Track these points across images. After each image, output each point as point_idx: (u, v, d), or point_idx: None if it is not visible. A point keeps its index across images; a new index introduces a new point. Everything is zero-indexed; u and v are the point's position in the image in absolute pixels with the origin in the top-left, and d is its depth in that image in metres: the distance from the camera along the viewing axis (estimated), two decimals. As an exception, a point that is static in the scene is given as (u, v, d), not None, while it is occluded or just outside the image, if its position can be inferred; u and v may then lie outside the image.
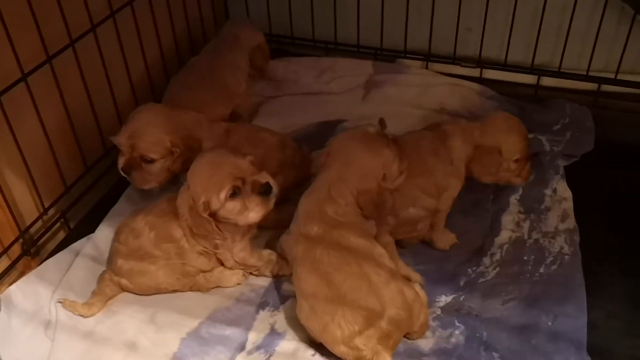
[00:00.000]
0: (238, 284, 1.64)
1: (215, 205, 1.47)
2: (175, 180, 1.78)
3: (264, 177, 1.51)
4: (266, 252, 1.65)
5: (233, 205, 1.48)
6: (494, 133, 1.67)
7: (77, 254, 1.70)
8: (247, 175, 1.49)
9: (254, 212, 1.50)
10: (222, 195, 1.46)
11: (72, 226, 1.83)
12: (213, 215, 1.49)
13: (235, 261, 1.60)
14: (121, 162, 1.72)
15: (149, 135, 1.68)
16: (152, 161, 1.70)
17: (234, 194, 1.47)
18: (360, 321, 1.33)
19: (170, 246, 1.55)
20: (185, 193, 1.50)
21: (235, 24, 2.29)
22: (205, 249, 1.57)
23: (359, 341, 1.33)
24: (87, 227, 1.79)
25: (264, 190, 1.50)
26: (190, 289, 1.62)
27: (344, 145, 1.51)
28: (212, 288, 1.62)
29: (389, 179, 1.50)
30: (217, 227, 1.50)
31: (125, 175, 1.74)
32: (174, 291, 1.61)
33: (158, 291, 1.60)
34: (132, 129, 1.68)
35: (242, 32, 2.24)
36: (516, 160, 1.68)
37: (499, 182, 1.75)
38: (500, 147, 1.66)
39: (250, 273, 1.66)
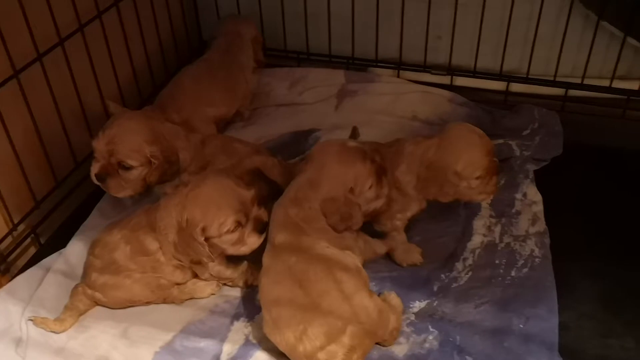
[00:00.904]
0: (212, 294, 1.63)
1: (212, 233, 1.48)
2: (148, 192, 1.77)
3: (264, 214, 1.53)
4: (241, 264, 1.64)
5: (230, 238, 1.50)
6: (449, 151, 1.56)
7: (48, 269, 1.68)
8: (249, 210, 1.50)
9: (247, 247, 1.52)
10: (225, 228, 1.47)
11: (42, 242, 1.81)
12: (206, 240, 1.49)
13: (211, 274, 1.60)
14: (96, 168, 1.69)
15: (130, 142, 1.67)
16: (130, 168, 1.68)
17: (235, 227, 1.48)
18: (322, 337, 1.33)
19: (145, 259, 1.55)
20: (174, 211, 1.49)
21: (235, 20, 2.29)
22: (181, 263, 1.56)
23: (321, 356, 1.33)
24: (58, 242, 1.76)
25: (262, 229, 1.52)
26: (165, 301, 1.60)
27: (320, 152, 1.52)
28: (186, 299, 1.61)
29: (358, 194, 1.48)
30: (209, 250, 1.50)
31: (98, 183, 1.70)
32: (148, 303, 1.60)
33: (132, 304, 1.59)
34: (112, 135, 1.66)
35: (243, 28, 2.26)
36: (478, 177, 1.58)
37: (461, 200, 1.65)
38: (455, 167, 1.55)
39: (224, 284, 1.65)
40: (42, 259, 1.71)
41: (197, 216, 1.46)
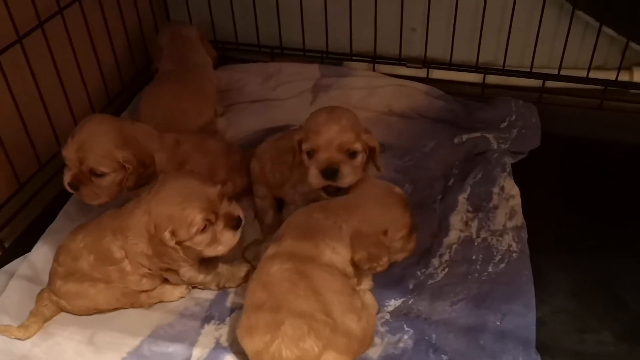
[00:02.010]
0: (182, 297, 1.59)
1: (183, 236, 1.42)
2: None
3: (236, 209, 1.47)
4: (213, 266, 1.59)
5: (203, 238, 1.44)
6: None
7: (11, 275, 1.63)
8: (218, 207, 1.44)
9: (223, 246, 1.47)
10: (194, 229, 1.41)
11: (6, 246, 1.75)
12: (178, 244, 1.43)
13: (180, 279, 1.55)
14: (68, 176, 1.62)
15: (100, 147, 1.59)
16: (102, 175, 1.62)
17: (205, 227, 1.42)
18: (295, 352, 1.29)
19: (110, 269, 1.49)
20: (142, 218, 1.43)
21: (175, 26, 2.22)
22: (149, 272, 1.50)
23: None
24: (23, 247, 1.71)
25: (235, 224, 1.47)
26: (132, 306, 1.56)
27: (365, 187, 1.49)
28: (155, 303, 1.57)
29: (389, 240, 1.43)
30: (184, 254, 1.44)
31: (72, 191, 1.64)
32: (115, 309, 1.55)
33: (98, 312, 1.55)
34: (80, 141, 1.59)
35: (186, 31, 2.19)
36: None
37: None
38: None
39: (194, 287, 1.61)
40: (6, 264, 1.66)
41: (164, 220, 1.40)
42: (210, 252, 1.47)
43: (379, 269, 1.43)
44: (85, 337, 1.50)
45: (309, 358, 1.29)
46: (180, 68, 2.08)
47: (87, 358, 1.45)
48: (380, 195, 1.47)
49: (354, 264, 1.42)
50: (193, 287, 1.61)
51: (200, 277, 1.56)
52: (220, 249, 1.47)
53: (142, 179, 1.64)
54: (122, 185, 1.64)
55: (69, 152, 1.61)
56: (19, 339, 1.48)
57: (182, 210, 1.40)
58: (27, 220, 1.81)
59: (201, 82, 2.08)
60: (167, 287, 1.57)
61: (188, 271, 1.52)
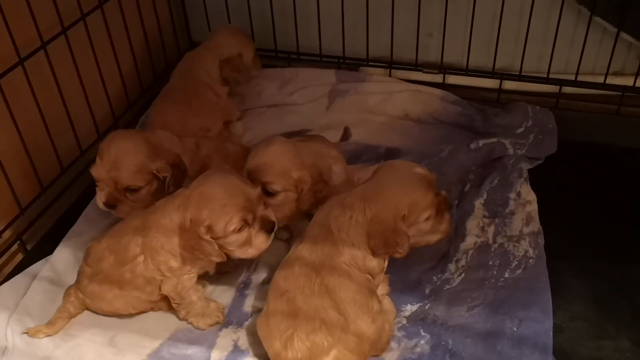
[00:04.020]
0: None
1: (218, 232, 1.40)
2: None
3: (271, 214, 1.47)
4: (199, 296, 1.54)
5: (237, 238, 1.42)
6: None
7: (34, 277, 1.65)
8: (256, 208, 1.44)
9: (254, 249, 1.45)
10: (231, 227, 1.40)
11: (29, 248, 1.78)
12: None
13: (175, 288, 1.50)
14: (102, 196, 1.63)
15: (133, 164, 1.60)
16: (137, 190, 1.63)
17: (241, 227, 1.42)
18: (305, 351, 1.31)
19: (125, 270, 1.49)
20: (176, 212, 1.42)
21: (218, 30, 2.23)
22: (159, 273, 1.48)
23: None
24: (45, 249, 1.74)
25: (270, 228, 1.46)
26: (152, 310, 1.57)
27: (384, 170, 1.46)
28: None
29: (411, 223, 1.40)
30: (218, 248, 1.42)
31: (108, 210, 1.65)
32: (134, 314, 1.56)
33: (118, 315, 1.56)
34: (112, 161, 1.60)
35: (219, 39, 2.19)
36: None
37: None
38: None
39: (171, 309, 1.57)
40: (28, 266, 1.68)
41: (203, 214, 1.39)
42: (240, 253, 1.45)
43: (398, 255, 1.41)
44: (106, 339, 1.51)
45: (318, 351, 1.31)
46: (181, 84, 2.09)
47: (108, 359, 1.47)
48: (398, 177, 1.43)
49: (371, 249, 1.40)
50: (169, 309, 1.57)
51: (191, 292, 1.51)
52: (250, 252, 1.45)
53: (180, 182, 1.65)
54: (157, 194, 1.64)
55: (100, 173, 1.62)
56: (48, 335, 1.50)
57: (222, 207, 1.39)
58: (49, 223, 1.84)
59: (201, 98, 2.07)
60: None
61: (188, 280, 1.49)
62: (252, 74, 2.27)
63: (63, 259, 1.69)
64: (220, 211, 1.39)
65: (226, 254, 1.45)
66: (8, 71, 1.62)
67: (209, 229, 1.40)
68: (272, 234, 1.47)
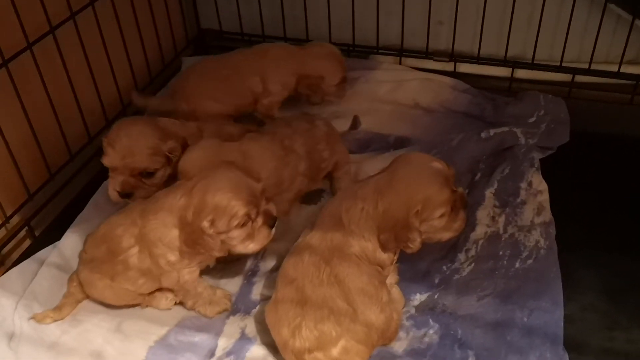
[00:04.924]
0: (168, 308, 1.55)
1: (221, 227, 1.38)
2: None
3: (273, 208, 1.45)
4: (204, 286, 1.53)
5: (239, 233, 1.40)
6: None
7: (42, 262, 1.65)
8: (259, 203, 1.42)
9: (255, 244, 1.44)
10: (235, 222, 1.38)
11: (37, 234, 1.78)
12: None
13: (177, 282, 1.49)
14: (117, 185, 1.62)
15: (147, 147, 1.61)
16: (154, 173, 1.64)
17: (245, 222, 1.40)
18: (313, 340, 1.30)
19: (117, 261, 1.46)
20: (178, 202, 1.39)
21: (316, 44, 2.17)
22: (155, 266, 1.46)
23: (308, 358, 1.30)
24: (53, 235, 1.73)
25: (272, 223, 1.44)
26: (140, 305, 1.55)
27: (400, 162, 1.43)
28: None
29: (424, 220, 1.37)
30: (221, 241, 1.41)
31: (123, 199, 1.64)
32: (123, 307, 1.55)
33: (109, 304, 1.55)
34: (125, 147, 1.60)
35: (309, 52, 2.11)
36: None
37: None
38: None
39: (177, 302, 1.56)
40: (36, 252, 1.68)
41: (206, 208, 1.37)
42: (242, 248, 1.43)
43: (409, 250, 1.39)
44: (114, 325, 1.51)
45: (326, 341, 1.30)
46: (228, 59, 2.10)
47: (115, 345, 1.46)
48: (414, 171, 1.39)
49: (380, 243, 1.38)
50: (176, 304, 1.56)
51: (193, 286, 1.49)
52: (252, 247, 1.44)
53: None
54: (170, 179, 1.64)
55: (114, 161, 1.61)
56: (55, 320, 1.50)
57: (228, 201, 1.37)
58: (58, 210, 1.83)
59: (237, 81, 2.06)
60: (157, 293, 1.55)
61: (188, 273, 1.47)
62: (328, 99, 2.17)
63: (71, 245, 1.69)
64: (226, 206, 1.37)
65: (227, 250, 1.44)
66: (16, 55, 1.61)
67: (213, 223, 1.38)
68: (274, 229, 1.46)
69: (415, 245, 1.38)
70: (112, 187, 1.65)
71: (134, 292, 1.51)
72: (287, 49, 2.13)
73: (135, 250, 1.45)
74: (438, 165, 1.40)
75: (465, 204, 1.46)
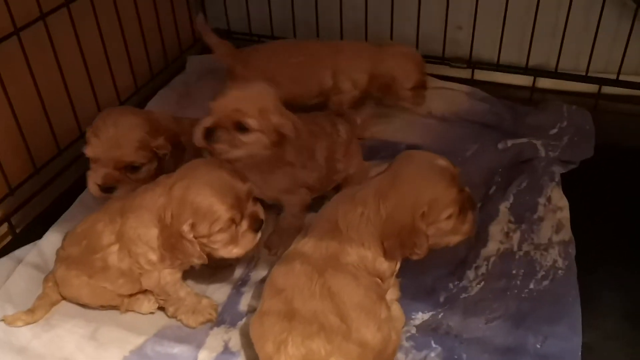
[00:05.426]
0: (151, 312, 1.45)
1: (202, 232, 1.30)
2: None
3: (260, 210, 1.36)
4: (187, 291, 1.44)
5: (222, 238, 1.32)
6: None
7: (19, 261, 1.57)
8: (244, 206, 1.33)
9: (239, 248, 1.35)
10: (217, 227, 1.29)
11: (18, 231, 1.70)
12: (194, 239, 1.32)
13: (158, 283, 1.40)
14: (99, 178, 1.54)
15: (135, 139, 1.53)
16: (139, 167, 1.55)
17: (227, 226, 1.31)
18: (299, 358, 1.19)
19: (96, 258, 1.38)
20: (157, 200, 1.31)
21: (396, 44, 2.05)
22: (136, 266, 1.38)
23: None
24: (35, 233, 1.65)
25: (258, 227, 1.36)
26: (119, 308, 1.46)
27: (401, 161, 1.34)
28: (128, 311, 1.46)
29: (431, 222, 1.29)
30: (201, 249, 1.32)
31: (105, 194, 1.54)
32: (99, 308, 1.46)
33: (84, 305, 1.46)
34: (112, 137, 1.51)
35: (388, 51, 1.98)
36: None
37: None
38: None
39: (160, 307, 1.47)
40: (16, 249, 1.60)
41: (186, 211, 1.28)
42: (224, 252, 1.35)
43: (415, 257, 1.29)
44: (88, 331, 1.42)
45: None
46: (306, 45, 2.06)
47: (87, 353, 1.37)
48: (417, 170, 1.30)
49: (385, 251, 1.28)
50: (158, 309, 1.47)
51: (176, 288, 1.40)
52: (235, 252, 1.35)
53: (179, 160, 1.55)
54: (156, 174, 1.54)
55: (98, 152, 1.53)
56: (27, 323, 1.41)
57: (210, 205, 1.28)
58: (42, 207, 1.75)
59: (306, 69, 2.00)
60: (139, 295, 1.45)
61: (169, 274, 1.38)
62: (402, 104, 2.03)
63: (52, 245, 1.59)
64: (207, 210, 1.28)
65: (208, 254, 1.34)
66: (2, 40, 1.54)
67: (193, 227, 1.29)
68: (260, 233, 1.37)
69: (422, 250, 1.28)
70: (92, 180, 1.56)
71: (112, 292, 1.42)
72: (364, 46, 2.03)
73: (115, 248, 1.38)
74: (443, 162, 1.31)
75: (473, 205, 1.36)
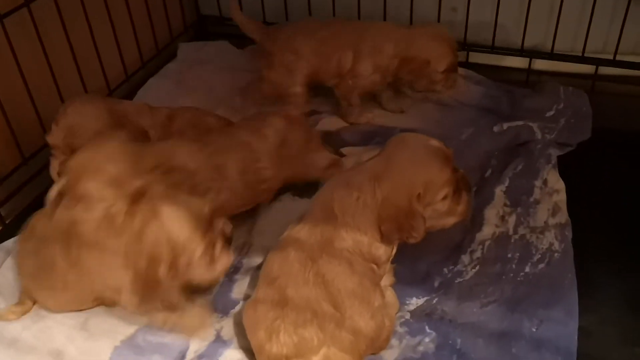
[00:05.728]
0: None
1: (180, 269, 1.22)
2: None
3: (227, 225, 1.29)
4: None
5: (199, 265, 1.24)
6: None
7: (9, 253, 1.54)
8: (212, 226, 1.25)
9: (217, 272, 1.28)
10: (195, 257, 1.22)
11: (7, 222, 1.67)
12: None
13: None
14: (56, 166, 1.53)
15: (91, 130, 1.50)
16: None
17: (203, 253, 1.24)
18: (291, 347, 1.17)
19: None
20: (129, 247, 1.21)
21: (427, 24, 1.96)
22: None
23: None
24: (24, 223, 1.60)
25: (230, 243, 1.31)
26: None
27: (394, 144, 1.32)
28: None
29: (427, 204, 1.28)
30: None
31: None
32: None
33: None
34: (68, 126, 1.51)
35: (418, 31, 1.89)
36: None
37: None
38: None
39: None
40: (4, 240, 1.58)
41: (162, 254, 1.19)
42: (200, 279, 1.26)
43: (412, 240, 1.27)
44: (79, 322, 1.40)
45: (306, 348, 1.17)
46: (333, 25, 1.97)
47: (77, 344, 1.35)
48: (411, 152, 1.29)
49: (382, 235, 1.26)
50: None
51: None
52: (213, 275, 1.28)
53: None
54: None
55: (55, 139, 1.53)
56: (15, 317, 1.39)
57: (184, 241, 1.20)
58: (31, 197, 1.72)
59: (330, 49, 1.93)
60: None
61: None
62: (434, 89, 1.94)
63: (42, 236, 1.58)
64: (182, 247, 1.20)
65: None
66: (-15, 28, 1.52)
67: (171, 266, 1.20)
68: (231, 247, 1.32)
69: (419, 233, 1.27)
70: (53, 166, 1.56)
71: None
72: (392, 27, 1.92)
73: None
74: (435, 144, 1.30)
75: (468, 186, 1.35)
